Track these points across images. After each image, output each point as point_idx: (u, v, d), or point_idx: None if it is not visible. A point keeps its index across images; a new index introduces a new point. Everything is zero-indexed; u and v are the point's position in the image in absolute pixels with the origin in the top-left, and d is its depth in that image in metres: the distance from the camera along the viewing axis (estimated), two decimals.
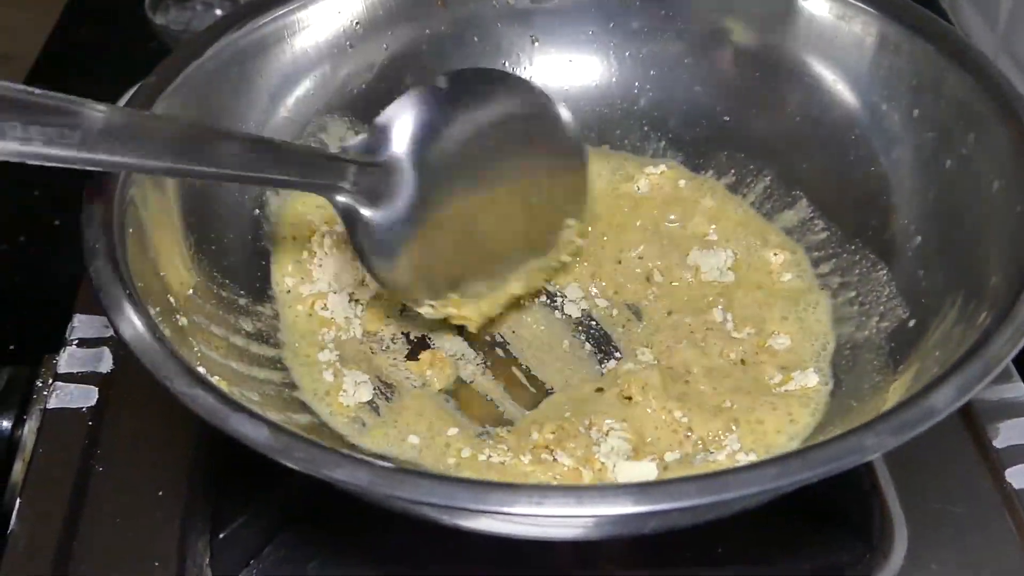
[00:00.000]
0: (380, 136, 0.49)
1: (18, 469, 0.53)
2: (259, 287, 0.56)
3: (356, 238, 0.49)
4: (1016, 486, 0.52)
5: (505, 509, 0.34)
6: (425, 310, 0.53)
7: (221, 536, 0.50)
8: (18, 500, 0.51)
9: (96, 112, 0.37)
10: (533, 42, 0.66)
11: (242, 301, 0.54)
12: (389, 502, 0.38)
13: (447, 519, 0.39)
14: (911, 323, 0.50)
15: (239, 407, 0.37)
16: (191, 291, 0.49)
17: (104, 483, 0.52)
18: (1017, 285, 0.41)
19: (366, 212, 0.48)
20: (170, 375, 0.38)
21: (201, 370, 0.41)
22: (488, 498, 0.34)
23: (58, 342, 0.58)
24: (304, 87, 0.60)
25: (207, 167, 0.42)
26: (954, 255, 0.49)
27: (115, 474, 0.53)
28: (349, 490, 0.36)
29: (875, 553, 0.50)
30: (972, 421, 0.54)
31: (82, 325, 0.59)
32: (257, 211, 0.58)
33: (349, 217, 0.48)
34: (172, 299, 0.47)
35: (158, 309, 0.44)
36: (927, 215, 0.53)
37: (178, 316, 0.46)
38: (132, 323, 0.40)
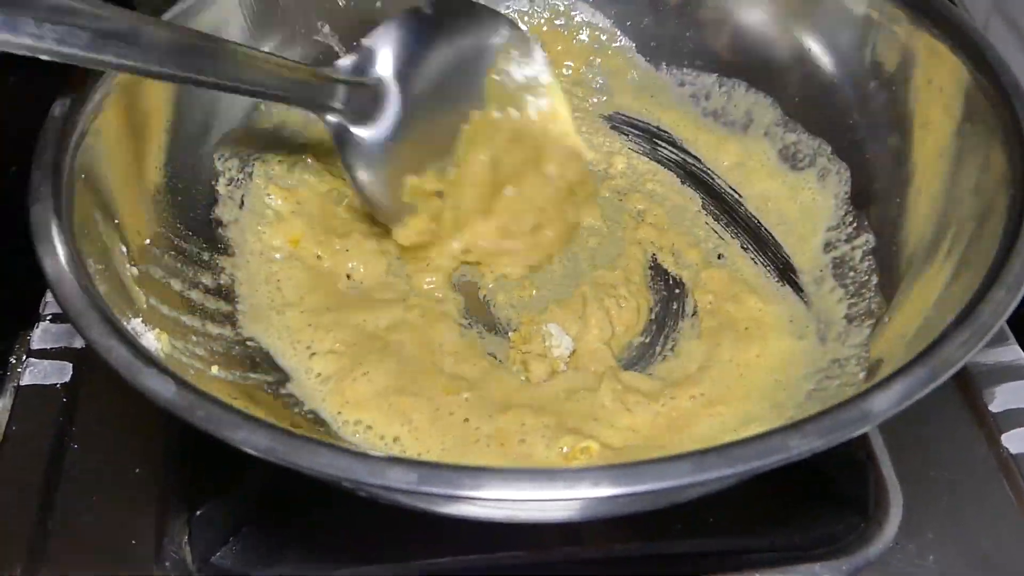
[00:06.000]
0: (367, 57, 0.52)
1: None
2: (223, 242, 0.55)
3: (346, 156, 0.52)
4: (1013, 451, 0.50)
5: (404, 487, 0.33)
6: (402, 232, 0.54)
7: (199, 514, 0.49)
8: None
9: (104, 14, 0.39)
10: None
11: (205, 255, 0.53)
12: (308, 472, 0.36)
13: (363, 491, 0.38)
14: (886, 319, 0.49)
15: (152, 362, 0.36)
16: (148, 241, 0.49)
17: (80, 461, 0.51)
18: (983, 287, 0.39)
19: (356, 131, 0.51)
20: (89, 324, 0.37)
21: (138, 321, 0.41)
22: (387, 474, 0.33)
23: (32, 318, 0.57)
24: None
25: (206, 76, 0.44)
26: (941, 250, 0.47)
27: (91, 451, 0.51)
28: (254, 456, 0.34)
29: (870, 522, 0.48)
30: (968, 386, 0.53)
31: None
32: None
33: (339, 136, 0.51)
34: (125, 248, 0.46)
35: (102, 258, 0.43)
36: (917, 206, 0.51)
37: (129, 265, 0.45)
38: (60, 268, 0.39)
